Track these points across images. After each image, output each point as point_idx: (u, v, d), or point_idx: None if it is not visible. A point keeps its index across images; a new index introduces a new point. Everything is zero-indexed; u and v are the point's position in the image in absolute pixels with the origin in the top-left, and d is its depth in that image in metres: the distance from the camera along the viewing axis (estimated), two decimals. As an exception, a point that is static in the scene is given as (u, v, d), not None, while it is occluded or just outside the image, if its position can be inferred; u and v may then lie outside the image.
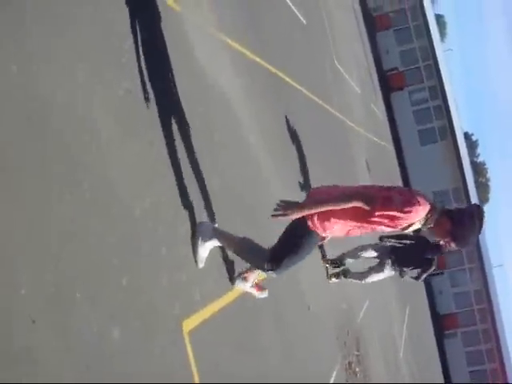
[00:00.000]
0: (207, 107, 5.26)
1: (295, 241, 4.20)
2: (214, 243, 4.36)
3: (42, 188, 2.76)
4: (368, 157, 17.04)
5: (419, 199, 3.92)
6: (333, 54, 15.57)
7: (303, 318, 7.00)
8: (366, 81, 25.38)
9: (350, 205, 3.88)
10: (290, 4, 10.64)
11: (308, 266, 7.60)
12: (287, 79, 8.61)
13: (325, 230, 4.11)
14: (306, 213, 3.97)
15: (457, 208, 4.25)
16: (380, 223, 4.00)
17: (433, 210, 3.98)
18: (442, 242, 4.31)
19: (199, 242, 4.28)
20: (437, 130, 40.69)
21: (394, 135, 35.89)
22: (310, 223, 4.07)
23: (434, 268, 8.18)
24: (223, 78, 5.85)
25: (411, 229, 4.10)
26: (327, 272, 8.41)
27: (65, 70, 3.18)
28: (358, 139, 17.06)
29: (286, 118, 8.10)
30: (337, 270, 8.44)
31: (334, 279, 8.42)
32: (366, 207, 3.87)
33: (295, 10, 11.03)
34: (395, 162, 32.94)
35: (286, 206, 3.98)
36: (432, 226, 4.05)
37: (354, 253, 8.37)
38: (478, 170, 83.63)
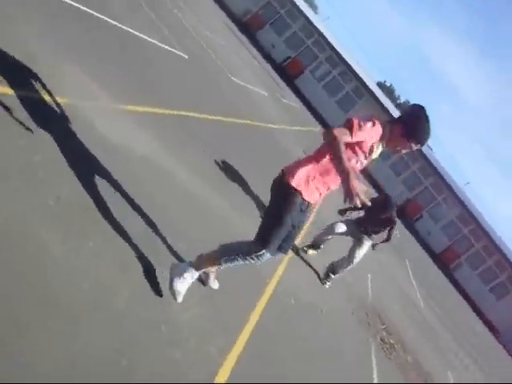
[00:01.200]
0: (137, 179, 5.21)
1: (276, 212, 4.06)
2: (193, 275, 4.10)
3: None
4: (305, 147, 17.17)
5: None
6: (226, 71, 15.70)
7: (320, 322, 6.98)
8: (267, 81, 25.68)
9: (341, 143, 3.73)
10: (167, 47, 10.69)
11: (304, 285, 7.62)
12: (194, 114, 8.63)
13: (307, 187, 4.06)
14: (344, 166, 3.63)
15: (401, 112, 4.34)
16: (354, 151, 4.05)
17: (384, 125, 4.13)
18: (404, 151, 4.32)
19: (175, 279, 4.02)
20: (351, 92, 41.52)
21: (316, 116, 36.36)
22: (293, 184, 4.01)
23: (395, 222, 8.31)
24: (138, 144, 5.81)
25: (376, 152, 4.19)
26: (305, 251, 8.38)
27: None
28: (287, 136, 17.20)
29: (210, 149, 8.08)
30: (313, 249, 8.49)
31: (310, 251, 8.43)
32: (349, 132, 3.85)
33: (173, 50, 11.08)
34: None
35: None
36: (388, 138, 4.20)
37: (326, 233, 8.40)
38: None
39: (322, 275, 8.34)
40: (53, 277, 3.19)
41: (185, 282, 4.06)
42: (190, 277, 4.09)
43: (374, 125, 4.01)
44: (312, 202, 4.19)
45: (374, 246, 7.50)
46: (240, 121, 11.90)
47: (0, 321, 2.67)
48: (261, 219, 4.24)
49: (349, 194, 3.51)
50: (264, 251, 4.02)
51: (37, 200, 3.58)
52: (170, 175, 5.93)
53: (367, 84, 42.51)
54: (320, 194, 4.23)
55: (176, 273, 4.06)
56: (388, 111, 39.65)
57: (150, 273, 4.10)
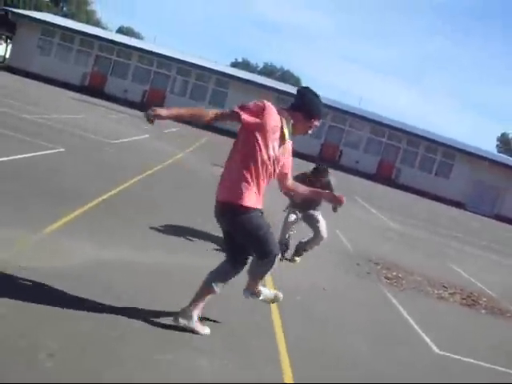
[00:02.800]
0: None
1: (253, 231, 4.42)
2: (196, 311, 4.62)
3: None
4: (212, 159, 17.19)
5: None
6: (106, 141, 15.50)
7: (331, 298, 7.05)
8: (140, 125, 25.47)
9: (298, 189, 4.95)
10: (40, 152, 10.44)
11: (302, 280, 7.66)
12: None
13: (249, 198, 4.33)
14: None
15: (293, 100, 4.64)
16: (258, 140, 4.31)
17: (282, 112, 4.48)
18: (310, 132, 4.69)
19: (189, 322, 4.58)
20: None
21: (203, 131, 36.33)
22: (243, 204, 4.30)
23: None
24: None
25: (287, 137, 4.51)
26: (288, 259, 8.41)
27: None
28: (190, 159, 17.11)
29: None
30: (289, 254, 8.49)
31: (296, 258, 8.48)
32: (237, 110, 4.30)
33: (48, 151, 10.84)
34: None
35: None
36: (294, 128, 4.59)
37: (284, 229, 8.45)
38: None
39: (291, 256, 8.38)
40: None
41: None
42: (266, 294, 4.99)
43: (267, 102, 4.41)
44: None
45: (334, 209, 7.62)
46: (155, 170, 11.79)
47: None
48: (248, 243, 4.55)
49: (336, 201, 4.85)
50: (274, 256, 4.50)
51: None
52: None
53: (223, 71, 42.97)
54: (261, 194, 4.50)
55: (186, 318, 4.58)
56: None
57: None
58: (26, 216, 6.53)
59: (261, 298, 4.91)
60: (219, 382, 3.94)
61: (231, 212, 4.36)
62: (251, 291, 4.83)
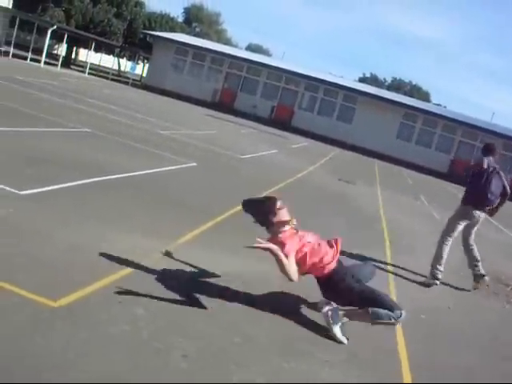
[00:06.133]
0: None
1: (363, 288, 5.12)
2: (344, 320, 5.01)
3: None
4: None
5: None
6: (236, 155, 16.00)
7: (458, 317, 6.92)
8: (270, 139, 25.91)
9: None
10: (183, 165, 10.98)
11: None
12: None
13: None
14: None
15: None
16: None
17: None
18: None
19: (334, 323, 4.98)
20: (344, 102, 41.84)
21: (332, 140, 36.45)
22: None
23: None
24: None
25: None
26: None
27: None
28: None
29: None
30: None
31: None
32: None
33: (182, 165, 11.41)
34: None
35: None
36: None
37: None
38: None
39: (426, 279, 8.25)
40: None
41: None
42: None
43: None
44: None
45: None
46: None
47: None
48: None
49: None
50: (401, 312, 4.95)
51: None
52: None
53: (351, 86, 42.89)
54: None
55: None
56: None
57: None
58: (161, 226, 7.01)
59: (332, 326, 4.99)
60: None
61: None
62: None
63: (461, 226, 8.30)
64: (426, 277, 8.19)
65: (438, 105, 77.35)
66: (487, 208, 8.18)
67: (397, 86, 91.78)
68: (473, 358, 5.63)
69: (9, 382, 3.08)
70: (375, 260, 8.26)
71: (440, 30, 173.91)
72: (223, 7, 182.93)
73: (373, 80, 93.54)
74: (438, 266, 8.12)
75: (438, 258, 8.21)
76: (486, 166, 8.07)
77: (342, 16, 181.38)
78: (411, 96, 65.36)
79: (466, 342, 6.09)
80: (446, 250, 8.25)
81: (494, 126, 43.91)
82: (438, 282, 8.08)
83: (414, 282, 8.04)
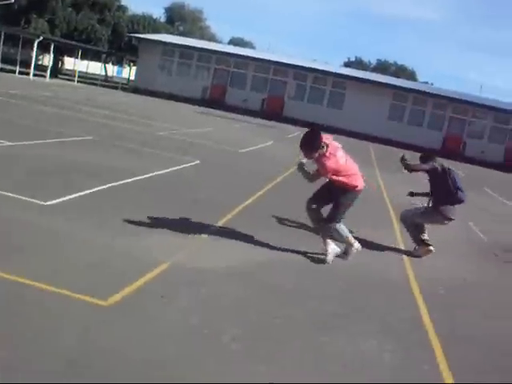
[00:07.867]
0: None
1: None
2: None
3: None
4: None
5: None
6: (234, 150, 16.27)
7: (477, 289, 7.22)
8: (263, 132, 26.04)
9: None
10: (186, 164, 11.29)
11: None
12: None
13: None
14: None
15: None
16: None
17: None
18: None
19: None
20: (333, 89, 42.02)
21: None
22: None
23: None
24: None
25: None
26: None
27: None
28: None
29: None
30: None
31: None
32: None
33: (187, 164, 11.69)
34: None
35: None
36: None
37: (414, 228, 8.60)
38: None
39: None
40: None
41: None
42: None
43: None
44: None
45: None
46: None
47: None
48: None
49: None
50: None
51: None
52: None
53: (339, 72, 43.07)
54: None
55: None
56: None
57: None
58: (183, 223, 7.37)
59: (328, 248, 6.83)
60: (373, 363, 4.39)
61: None
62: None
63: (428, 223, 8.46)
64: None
65: (426, 82, 77.66)
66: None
67: (382, 67, 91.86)
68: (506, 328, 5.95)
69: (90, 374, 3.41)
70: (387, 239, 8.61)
71: (421, 6, 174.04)
72: (203, 2, 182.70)
73: (358, 63, 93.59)
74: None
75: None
76: (437, 167, 8.23)
77: (321, 0, 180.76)
78: (397, 76, 65.59)
79: (483, 311, 6.40)
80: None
81: (484, 100, 44.24)
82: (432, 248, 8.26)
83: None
